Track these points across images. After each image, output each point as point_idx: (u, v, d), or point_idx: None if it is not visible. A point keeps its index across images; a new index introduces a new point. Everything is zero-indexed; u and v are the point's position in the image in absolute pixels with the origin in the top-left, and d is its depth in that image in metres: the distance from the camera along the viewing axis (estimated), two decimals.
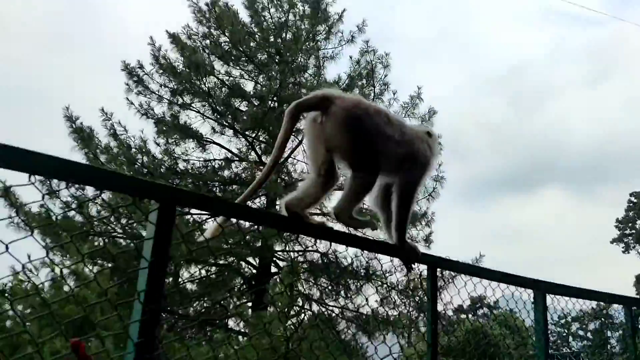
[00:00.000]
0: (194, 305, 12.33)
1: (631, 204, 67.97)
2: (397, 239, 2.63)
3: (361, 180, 2.50)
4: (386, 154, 2.53)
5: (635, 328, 4.49)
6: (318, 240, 8.70)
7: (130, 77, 12.73)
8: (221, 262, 12.34)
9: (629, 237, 67.44)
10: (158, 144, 12.81)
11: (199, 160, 13.37)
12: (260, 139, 12.24)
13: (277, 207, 11.68)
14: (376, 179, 2.54)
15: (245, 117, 11.74)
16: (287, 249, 12.69)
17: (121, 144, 11.77)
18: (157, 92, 12.75)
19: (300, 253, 12.03)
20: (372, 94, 11.81)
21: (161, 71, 12.76)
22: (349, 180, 2.51)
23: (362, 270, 10.32)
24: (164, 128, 12.78)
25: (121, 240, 11.29)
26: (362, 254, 2.36)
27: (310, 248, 11.82)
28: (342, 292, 10.96)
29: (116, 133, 11.85)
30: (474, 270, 2.97)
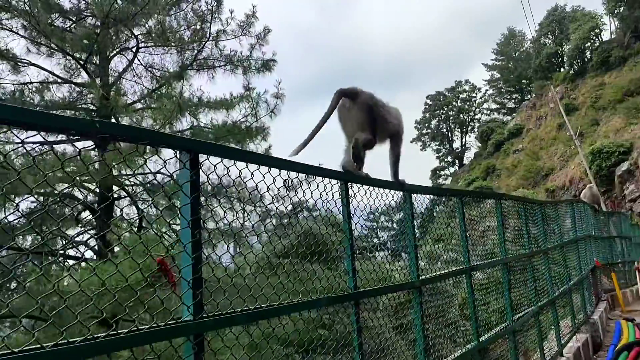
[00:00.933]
0: (32, 238, 11.75)
1: (427, 106, 76.09)
2: (392, 175, 4.26)
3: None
4: (385, 129, 4.01)
5: (463, 213, 5.72)
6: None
7: None
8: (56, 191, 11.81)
9: (426, 136, 76.08)
10: None
11: (13, 84, 12.34)
12: (94, 61, 11.55)
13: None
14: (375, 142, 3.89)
15: (72, 38, 10.96)
16: (126, 173, 12.49)
17: None
18: None
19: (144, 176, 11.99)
20: (210, 13, 11.73)
21: None
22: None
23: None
24: None
25: None
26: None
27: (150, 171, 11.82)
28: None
29: None
30: (377, 182, 3.74)
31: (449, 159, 75.18)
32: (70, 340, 1.70)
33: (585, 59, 53.73)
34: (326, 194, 3.28)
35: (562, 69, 58.99)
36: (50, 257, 11.72)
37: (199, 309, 2.14)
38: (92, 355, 1.77)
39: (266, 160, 2.71)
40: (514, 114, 65.17)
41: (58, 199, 12.51)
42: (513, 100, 74.53)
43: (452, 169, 73.64)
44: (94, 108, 12.20)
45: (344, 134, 3.91)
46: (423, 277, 4.31)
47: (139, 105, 12.97)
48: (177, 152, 2.20)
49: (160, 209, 9.71)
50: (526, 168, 46.96)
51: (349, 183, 3.50)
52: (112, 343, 1.83)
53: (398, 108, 4.31)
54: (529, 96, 67.92)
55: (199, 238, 2.18)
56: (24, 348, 1.64)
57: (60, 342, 1.68)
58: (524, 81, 71.77)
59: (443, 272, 4.89)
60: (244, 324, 2.55)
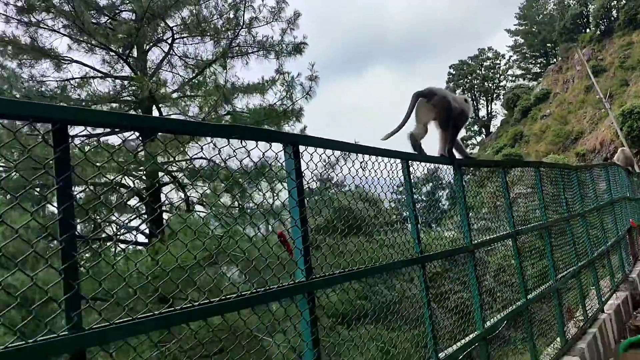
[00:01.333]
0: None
1: (450, 76, 75.43)
2: (446, 150, 4.78)
3: (446, 134, 4.74)
4: (454, 117, 4.76)
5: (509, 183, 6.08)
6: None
7: None
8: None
9: None
10: (3, 67, 12.05)
11: (57, 81, 12.93)
12: (133, 54, 12.06)
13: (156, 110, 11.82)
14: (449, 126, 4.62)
15: (114, 34, 11.44)
16: (169, 159, 13.04)
17: None
18: None
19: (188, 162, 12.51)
20: (243, 2, 12.09)
21: None
22: (442, 134, 4.77)
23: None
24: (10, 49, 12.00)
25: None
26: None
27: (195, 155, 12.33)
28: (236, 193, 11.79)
29: None
30: (430, 158, 4.14)
31: (475, 128, 74.62)
32: (227, 295, 2.16)
33: (612, 18, 52.58)
34: (393, 172, 3.68)
35: (587, 30, 57.83)
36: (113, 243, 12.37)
37: (309, 271, 2.59)
38: (241, 308, 2.25)
39: (343, 146, 3.12)
40: (540, 79, 64.26)
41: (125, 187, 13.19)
42: (538, 65, 73.39)
43: (479, 138, 73.17)
44: (135, 100, 12.75)
45: (416, 119, 4.58)
46: (475, 241, 4.71)
47: (176, 95, 13.50)
48: (284, 145, 2.64)
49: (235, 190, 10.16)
50: (555, 133, 46.53)
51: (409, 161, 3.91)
52: (252, 300, 2.29)
53: (467, 96, 5.32)
54: (555, 60, 66.83)
55: (305, 215, 2.62)
56: (163, 311, 2.08)
57: (217, 299, 2.14)
58: (548, 45, 70.54)
59: (492, 236, 5.29)
60: (343, 282, 3.00)
